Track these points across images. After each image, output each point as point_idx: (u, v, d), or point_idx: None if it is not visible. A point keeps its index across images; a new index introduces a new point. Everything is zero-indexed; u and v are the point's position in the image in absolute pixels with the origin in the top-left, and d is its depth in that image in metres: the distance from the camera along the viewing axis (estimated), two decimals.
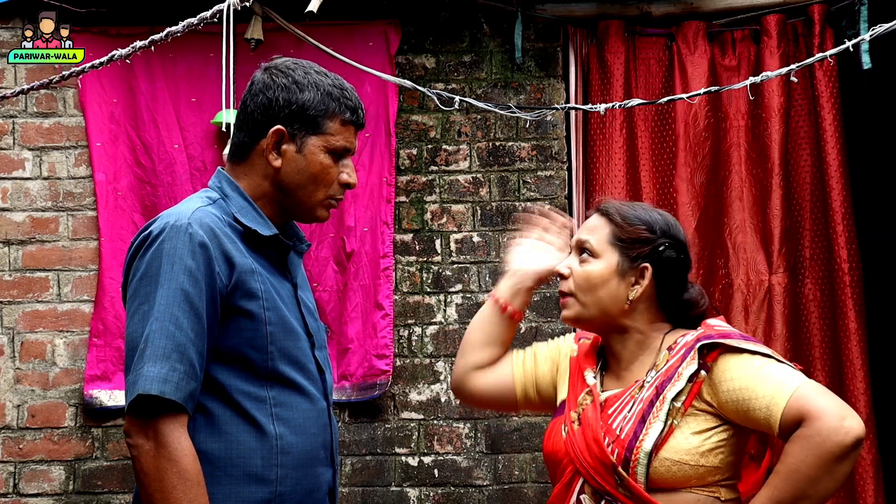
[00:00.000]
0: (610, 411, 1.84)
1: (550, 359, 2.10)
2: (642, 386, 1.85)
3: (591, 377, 1.95)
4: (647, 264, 1.90)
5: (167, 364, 1.66)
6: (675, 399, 1.78)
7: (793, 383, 1.72)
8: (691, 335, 1.87)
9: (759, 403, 1.73)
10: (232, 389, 1.75)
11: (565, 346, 2.10)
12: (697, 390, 1.79)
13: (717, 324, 1.90)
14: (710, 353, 1.80)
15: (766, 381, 1.74)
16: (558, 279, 1.99)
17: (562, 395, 2.01)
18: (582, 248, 1.95)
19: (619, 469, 1.76)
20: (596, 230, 1.95)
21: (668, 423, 1.77)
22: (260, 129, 1.86)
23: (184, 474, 1.65)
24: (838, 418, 1.66)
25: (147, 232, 1.77)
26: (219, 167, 1.95)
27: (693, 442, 1.77)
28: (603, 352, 2.02)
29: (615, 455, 1.78)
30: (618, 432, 1.80)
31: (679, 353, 1.84)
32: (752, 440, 1.88)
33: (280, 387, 1.79)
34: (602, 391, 1.93)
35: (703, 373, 1.79)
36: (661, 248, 1.90)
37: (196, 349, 1.69)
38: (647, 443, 1.76)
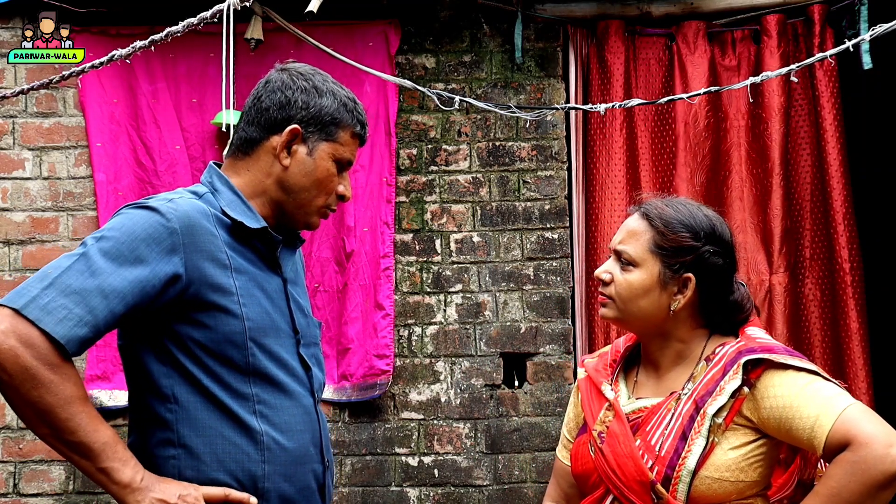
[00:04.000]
0: (648, 428, 1.79)
1: (573, 412, 2.05)
2: (679, 398, 1.79)
3: (609, 391, 1.89)
4: (691, 274, 1.82)
5: (60, 298, 1.62)
6: (716, 415, 1.73)
7: (840, 405, 1.67)
8: (731, 346, 1.80)
9: (804, 424, 1.67)
10: (214, 387, 1.75)
11: (575, 388, 2.05)
12: (739, 406, 1.74)
13: (757, 335, 1.83)
14: (754, 369, 1.75)
15: (812, 400, 1.68)
16: (600, 284, 1.91)
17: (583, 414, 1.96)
18: (621, 256, 1.87)
19: (659, 487, 1.72)
20: (636, 236, 1.86)
21: (710, 439, 1.72)
22: (274, 126, 1.86)
23: (58, 368, 1.61)
24: (885, 446, 1.61)
25: (133, 203, 1.79)
26: (211, 161, 1.94)
27: (733, 458, 1.73)
28: (632, 357, 1.97)
29: (655, 472, 1.73)
30: (657, 449, 1.75)
31: (719, 365, 1.77)
32: (784, 446, 1.83)
33: (263, 384, 1.78)
34: (637, 398, 1.87)
35: (745, 389, 1.74)
36: (705, 256, 1.83)
37: (106, 304, 1.65)
38: (690, 461, 1.71)
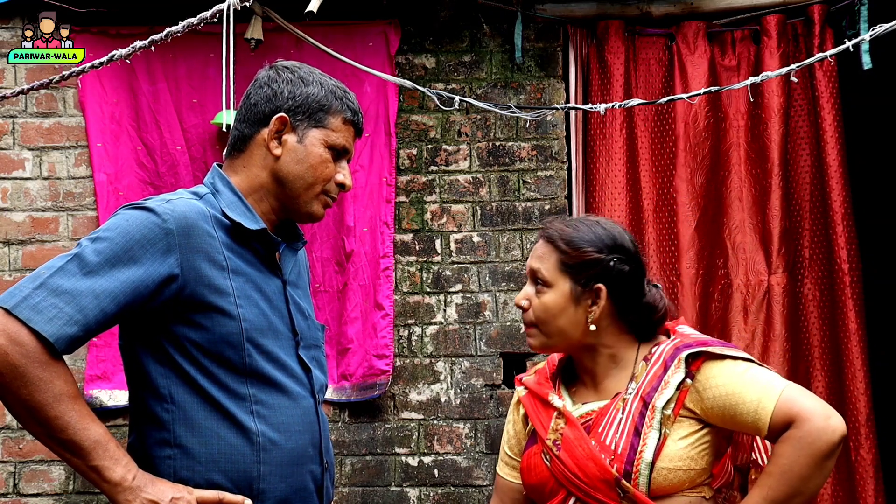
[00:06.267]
0: (600, 429, 1.85)
1: (513, 429, 2.08)
2: (625, 398, 1.86)
3: (556, 400, 1.94)
4: (601, 285, 1.89)
5: (51, 298, 1.63)
6: (664, 407, 1.81)
7: (778, 387, 1.78)
8: (667, 344, 1.88)
9: (747, 408, 1.77)
10: (211, 387, 1.75)
11: (513, 405, 2.09)
12: (683, 399, 1.82)
13: (689, 331, 1.93)
14: (693, 361, 1.84)
15: (752, 385, 1.78)
16: (519, 310, 1.98)
17: (529, 427, 2.01)
18: (535, 278, 1.95)
19: (624, 482, 1.77)
20: (544, 258, 1.94)
21: (662, 431, 1.80)
22: (264, 120, 1.88)
23: (47, 366, 1.62)
24: (825, 418, 1.73)
25: (130, 203, 1.79)
26: (214, 163, 1.95)
27: (683, 447, 1.80)
28: (566, 368, 2.02)
29: (615, 469, 1.79)
30: (613, 448, 1.81)
31: (659, 363, 1.86)
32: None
33: (260, 384, 1.78)
34: (582, 404, 1.93)
35: (688, 381, 1.82)
36: (611, 265, 1.90)
37: (97, 304, 1.65)
38: (647, 454, 1.78)
